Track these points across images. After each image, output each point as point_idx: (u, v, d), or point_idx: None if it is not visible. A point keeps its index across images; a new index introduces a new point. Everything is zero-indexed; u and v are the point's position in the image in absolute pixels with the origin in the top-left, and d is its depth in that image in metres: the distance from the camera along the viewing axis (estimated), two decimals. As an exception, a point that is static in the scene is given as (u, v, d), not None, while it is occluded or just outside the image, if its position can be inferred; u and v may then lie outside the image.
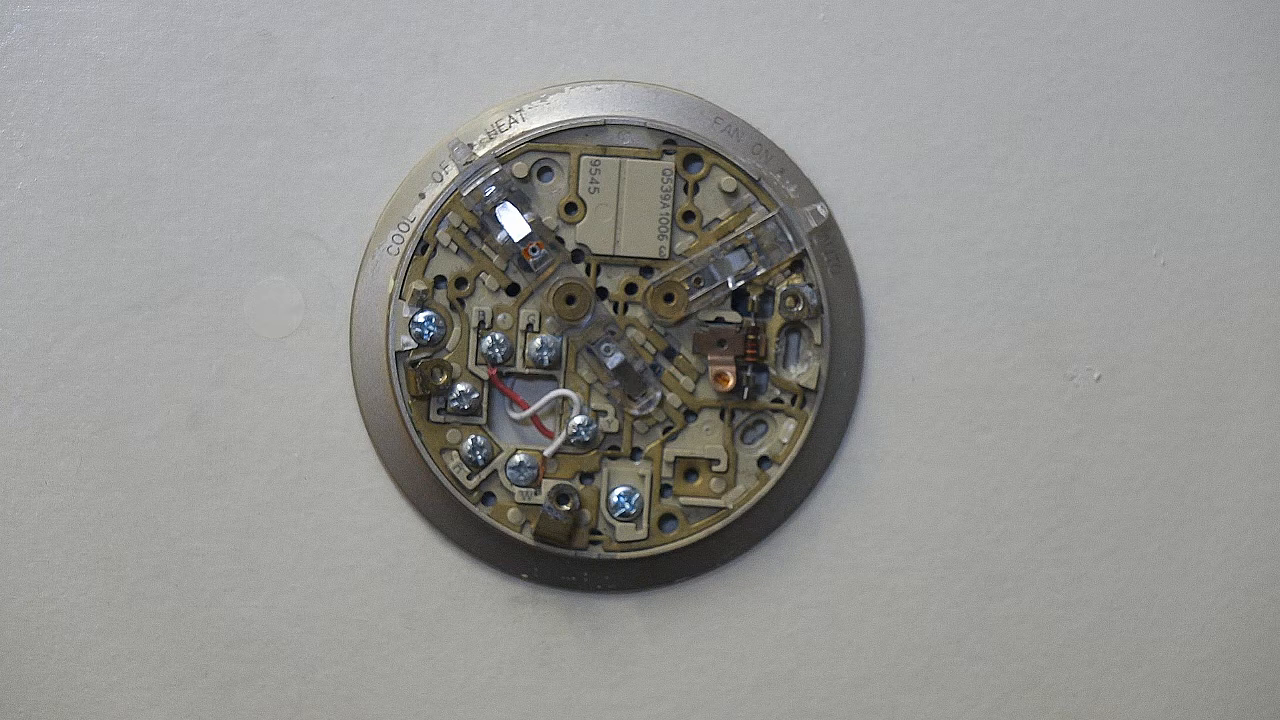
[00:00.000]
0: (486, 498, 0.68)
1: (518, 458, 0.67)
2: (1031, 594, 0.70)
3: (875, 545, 0.70)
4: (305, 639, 0.70)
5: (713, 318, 0.68)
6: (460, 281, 0.67)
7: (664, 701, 0.70)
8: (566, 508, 0.67)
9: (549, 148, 0.67)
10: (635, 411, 0.68)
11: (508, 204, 0.67)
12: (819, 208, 0.68)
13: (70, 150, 0.69)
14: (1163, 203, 0.70)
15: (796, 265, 0.68)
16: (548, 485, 0.67)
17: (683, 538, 0.68)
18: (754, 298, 0.68)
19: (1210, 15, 0.70)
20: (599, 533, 0.68)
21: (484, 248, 0.67)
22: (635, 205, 0.67)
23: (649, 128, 0.67)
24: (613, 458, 0.68)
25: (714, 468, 0.68)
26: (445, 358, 0.67)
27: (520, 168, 0.67)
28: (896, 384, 0.70)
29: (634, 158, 0.67)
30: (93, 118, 0.69)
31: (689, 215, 0.68)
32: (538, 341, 0.67)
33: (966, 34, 0.69)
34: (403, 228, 0.68)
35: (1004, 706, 0.70)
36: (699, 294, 0.67)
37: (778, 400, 0.68)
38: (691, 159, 0.68)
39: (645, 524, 0.68)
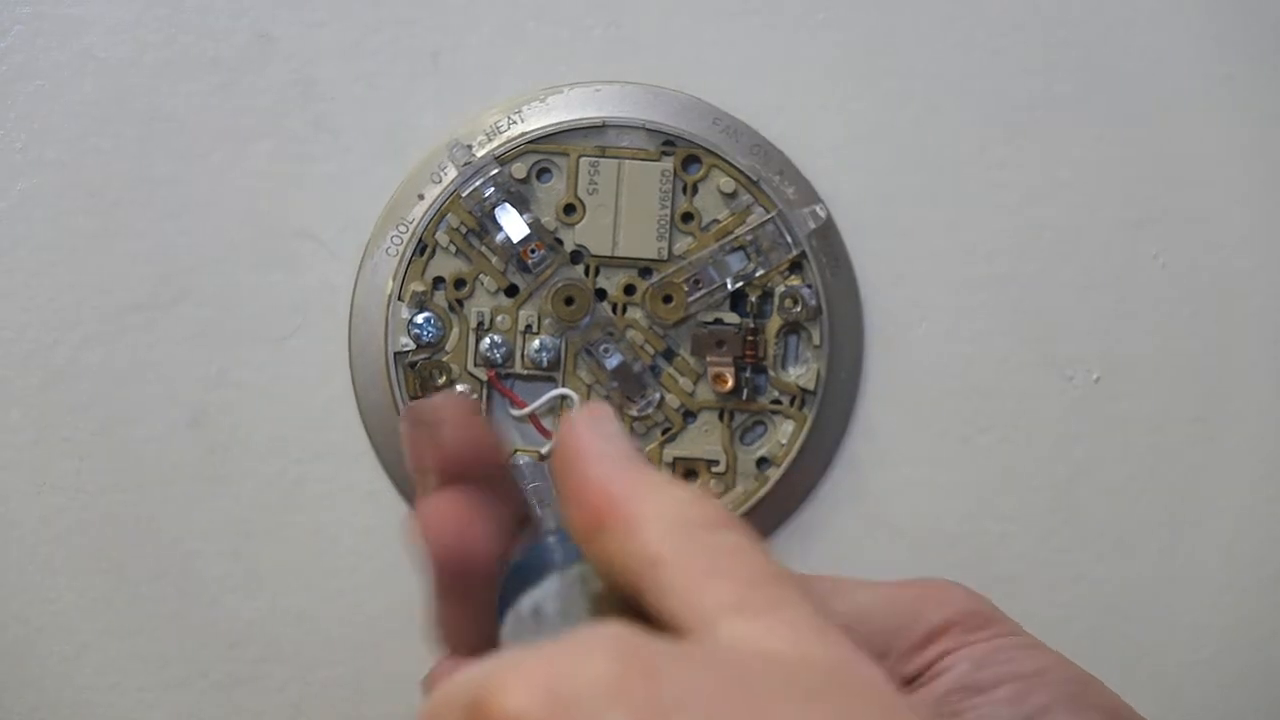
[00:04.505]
0: (486, 499, 0.68)
1: (517, 460, 0.67)
2: (1032, 594, 0.70)
3: (875, 546, 0.70)
4: (305, 640, 0.70)
5: (711, 319, 0.68)
6: (459, 283, 0.67)
7: (663, 702, 0.70)
8: (566, 509, 0.67)
9: (548, 149, 0.67)
10: (634, 412, 0.68)
11: (507, 205, 0.67)
12: (818, 209, 0.68)
13: (70, 151, 0.69)
14: (1163, 203, 0.70)
15: (795, 266, 0.68)
16: (547, 486, 0.68)
17: (682, 539, 0.68)
18: (753, 299, 0.68)
19: (1210, 15, 0.70)
20: (598, 534, 0.68)
21: (483, 249, 0.67)
22: (634, 206, 0.67)
23: (648, 129, 0.67)
24: (612, 459, 0.68)
25: (713, 469, 0.68)
26: (444, 359, 0.67)
27: (519, 169, 0.67)
28: (896, 385, 0.70)
29: (633, 159, 0.67)
30: (93, 119, 0.69)
31: (688, 216, 0.68)
32: (537, 343, 0.67)
33: (966, 35, 0.69)
34: (401, 229, 0.68)
35: (1003, 707, 0.70)
36: (698, 295, 0.67)
37: (777, 401, 0.68)
38: (690, 160, 0.68)
39: (644, 525, 0.68)
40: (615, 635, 0.33)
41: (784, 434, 0.68)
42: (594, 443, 0.38)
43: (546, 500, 0.51)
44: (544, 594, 0.39)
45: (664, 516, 0.35)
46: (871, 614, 0.47)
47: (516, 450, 0.68)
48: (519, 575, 0.42)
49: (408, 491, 0.69)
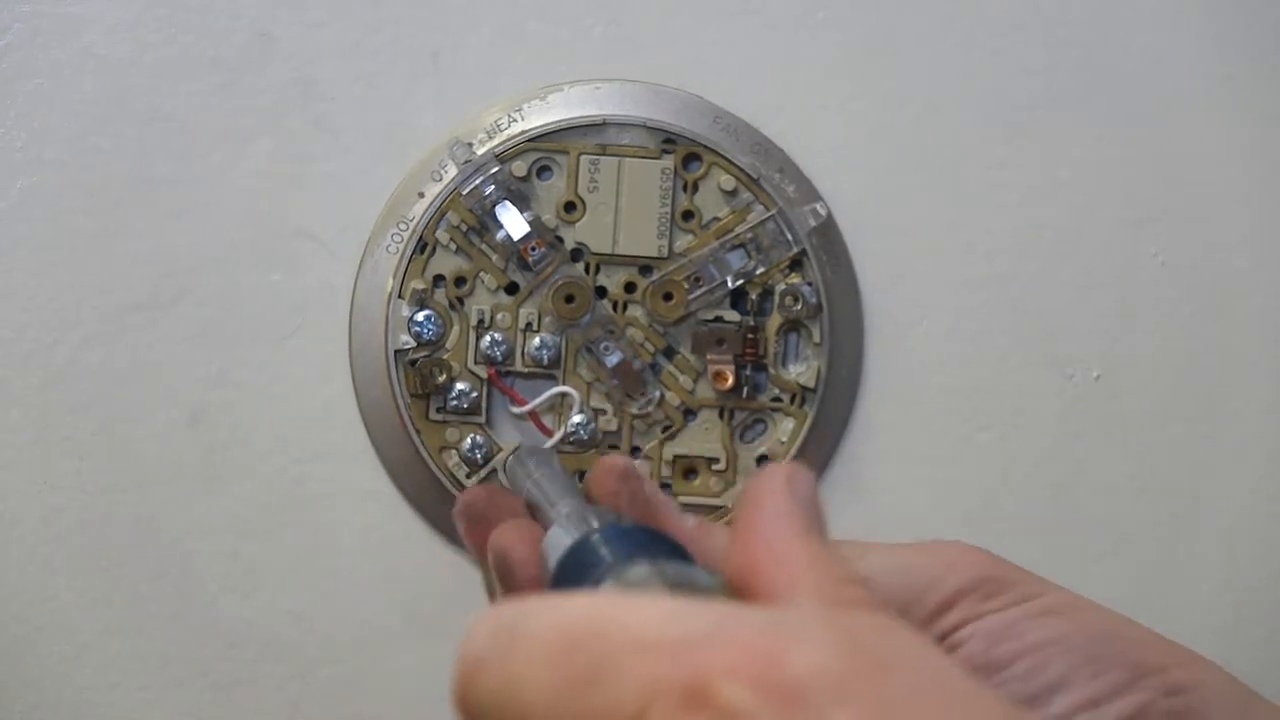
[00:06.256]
0: (486, 497, 0.68)
1: (522, 446, 0.67)
2: (1032, 594, 0.70)
3: (875, 545, 0.70)
4: (304, 639, 0.69)
5: (712, 317, 0.68)
6: (459, 280, 0.67)
7: (664, 701, 0.70)
8: (566, 507, 0.67)
9: (548, 147, 0.67)
10: (634, 410, 0.68)
11: (507, 203, 0.67)
12: (818, 207, 0.68)
13: (70, 151, 0.69)
14: (1163, 203, 0.70)
15: (795, 264, 0.68)
16: (547, 485, 0.67)
17: (682, 537, 0.68)
18: (753, 297, 0.68)
19: (1210, 15, 0.70)
20: (598, 532, 0.68)
21: (483, 247, 0.67)
22: (634, 204, 0.67)
23: (648, 126, 0.67)
24: (612, 457, 0.68)
25: (713, 467, 0.68)
26: (444, 357, 0.67)
27: (519, 167, 0.67)
28: (896, 383, 0.70)
29: (633, 157, 0.67)
30: (93, 118, 0.69)
31: (688, 214, 0.68)
32: (537, 340, 0.67)
33: (966, 35, 0.69)
34: (402, 227, 0.68)
35: (1004, 706, 0.70)
36: (698, 293, 0.67)
37: (777, 399, 0.68)
38: (691, 158, 0.68)
39: (645, 523, 0.68)
40: (842, 620, 0.30)
41: (784, 432, 0.68)
42: (780, 500, 0.36)
43: (557, 484, 0.51)
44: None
45: (814, 596, 0.34)
46: (885, 580, 0.46)
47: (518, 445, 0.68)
48: (569, 571, 0.41)
49: (408, 492, 0.69)
